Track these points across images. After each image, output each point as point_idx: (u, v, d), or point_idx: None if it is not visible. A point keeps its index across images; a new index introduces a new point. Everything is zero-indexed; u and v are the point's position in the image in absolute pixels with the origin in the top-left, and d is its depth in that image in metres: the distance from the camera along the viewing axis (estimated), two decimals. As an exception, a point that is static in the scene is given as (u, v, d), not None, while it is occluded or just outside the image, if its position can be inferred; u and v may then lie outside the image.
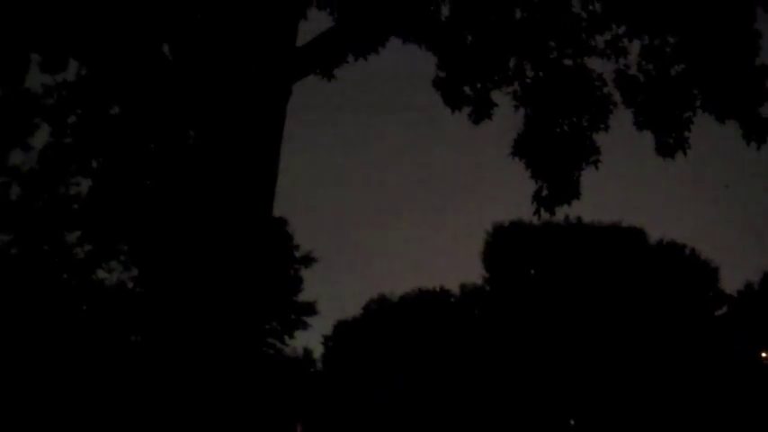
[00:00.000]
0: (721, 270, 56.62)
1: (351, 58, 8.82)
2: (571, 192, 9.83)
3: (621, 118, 10.08)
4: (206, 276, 6.97)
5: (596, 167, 9.92)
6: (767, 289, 52.75)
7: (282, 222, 46.31)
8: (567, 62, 10.00)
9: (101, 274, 28.03)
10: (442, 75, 10.01)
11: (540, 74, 9.98)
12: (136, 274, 27.82)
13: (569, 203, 9.88)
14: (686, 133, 9.88)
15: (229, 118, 7.16)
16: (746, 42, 9.61)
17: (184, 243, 7.09)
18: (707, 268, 56.39)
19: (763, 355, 51.80)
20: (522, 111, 10.00)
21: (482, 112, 10.15)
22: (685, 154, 9.94)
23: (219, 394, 6.78)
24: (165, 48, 9.01)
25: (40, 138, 21.55)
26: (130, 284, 28.71)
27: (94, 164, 12.29)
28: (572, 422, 52.68)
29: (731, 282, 74.61)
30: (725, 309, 56.17)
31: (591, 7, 9.86)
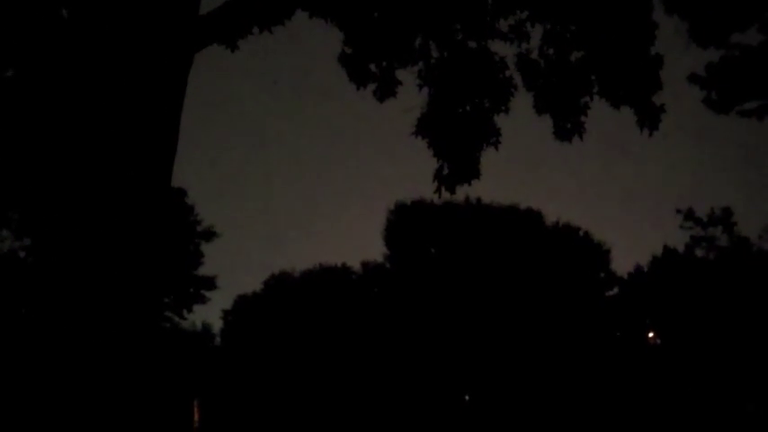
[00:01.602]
0: (613, 252, 58.64)
1: (255, 30, 8.74)
2: (472, 171, 10.01)
3: (522, 101, 10.32)
4: (100, 247, 6.84)
5: (496, 149, 10.13)
6: (656, 272, 54.75)
7: (182, 193, 45.61)
8: (472, 44, 10.15)
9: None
10: (348, 51, 10.04)
11: (445, 54, 10.11)
12: (28, 243, 27.02)
13: (470, 183, 10.06)
14: (583, 118, 10.18)
15: (128, 85, 7.02)
16: (643, 32, 9.96)
17: (78, 212, 6.93)
18: (599, 250, 58.21)
19: (650, 335, 53.88)
20: (426, 90, 10.12)
21: (387, 89, 10.23)
22: (581, 138, 10.25)
23: (113, 369, 6.68)
24: (64, 12, 8.75)
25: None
26: (22, 254, 27.87)
27: (-14, 129, 11.84)
28: (467, 398, 53.79)
29: (622, 264, 77.40)
30: (615, 290, 58.13)
31: (496, -9, 10.02)
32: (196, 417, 48.88)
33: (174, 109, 7.23)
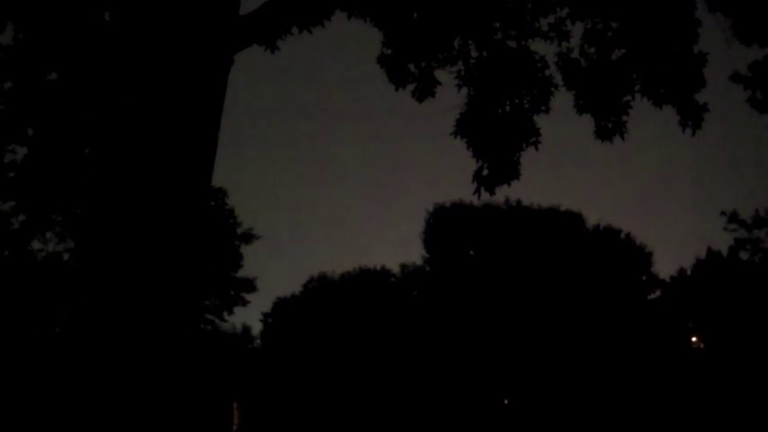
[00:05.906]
0: (655, 255, 57.99)
1: (295, 30, 8.76)
2: (511, 172, 9.93)
3: (562, 100, 10.22)
4: (142, 248, 6.88)
5: (536, 149, 10.03)
6: (699, 275, 54.00)
7: (222, 193, 45.83)
8: (511, 43, 10.08)
9: (36, 245, 27.53)
10: (387, 51, 10.02)
11: (484, 54, 10.05)
12: (72, 245, 27.37)
13: (509, 183, 9.98)
14: (624, 117, 10.06)
15: (169, 86, 7.06)
16: (686, 30, 9.81)
17: (120, 214, 6.98)
18: (641, 253, 57.59)
19: (693, 339, 53.12)
20: (465, 90, 10.06)
21: (426, 90, 10.19)
22: (623, 138, 10.12)
23: (155, 371, 6.71)
24: (107, 15, 8.84)
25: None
26: (66, 256, 28.24)
27: (30, 132, 12.03)
28: (506, 402, 53.47)
29: (664, 267, 76.54)
30: (658, 293, 57.45)
31: (535, -11, 9.95)
32: (236, 419, 49.21)
33: (215, 109, 7.26)
